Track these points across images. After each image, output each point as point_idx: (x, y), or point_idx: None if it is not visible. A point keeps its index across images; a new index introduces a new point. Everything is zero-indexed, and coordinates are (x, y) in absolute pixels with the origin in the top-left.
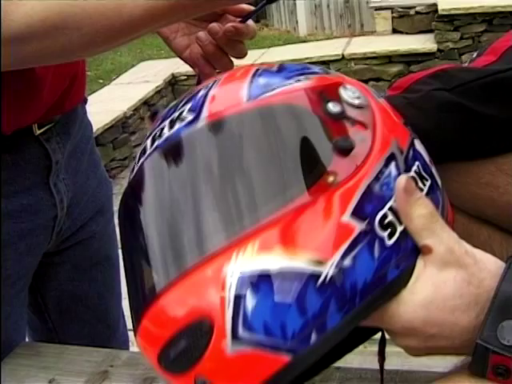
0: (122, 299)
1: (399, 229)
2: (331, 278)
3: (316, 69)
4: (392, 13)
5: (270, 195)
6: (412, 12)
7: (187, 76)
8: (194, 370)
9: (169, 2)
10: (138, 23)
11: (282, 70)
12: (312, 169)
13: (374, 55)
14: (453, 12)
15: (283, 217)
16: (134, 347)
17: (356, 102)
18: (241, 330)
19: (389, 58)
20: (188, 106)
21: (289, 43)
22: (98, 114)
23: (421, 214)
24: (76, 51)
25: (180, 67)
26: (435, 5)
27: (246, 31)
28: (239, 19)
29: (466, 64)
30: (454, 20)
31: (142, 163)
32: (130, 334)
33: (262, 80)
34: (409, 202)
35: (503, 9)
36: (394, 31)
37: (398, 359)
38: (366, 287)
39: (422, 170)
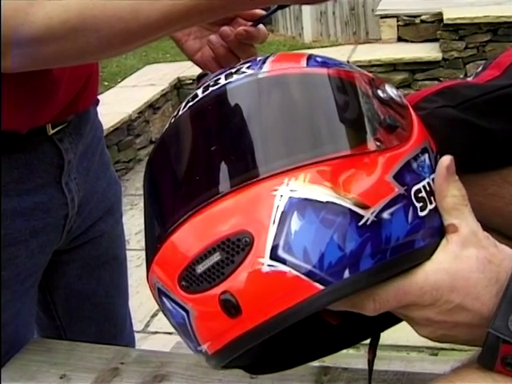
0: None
1: (429, 206)
2: (371, 223)
3: (360, 69)
4: (397, 21)
5: (327, 138)
6: (417, 20)
7: (193, 80)
8: (220, 287)
9: (185, 6)
10: (154, 27)
11: (333, 59)
12: (364, 129)
13: (378, 63)
14: (458, 21)
15: (334, 160)
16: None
17: (398, 99)
18: (280, 251)
19: (393, 66)
20: (246, 65)
21: (294, 49)
22: (103, 116)
23: (454, 194)
24: (93, 53)
25: (186, 71)
26: (440, 14)
27: (257, 35)
28: (250, 23)
29: (471, 77)
30: (458, 29)
31: (193, 105)
32: (136, 334)
33: (318, 59)
34: (447, 180)
35: (508, 19)
36: (399, 39)
37: (401, 363)
38: (397, 245)
39: None
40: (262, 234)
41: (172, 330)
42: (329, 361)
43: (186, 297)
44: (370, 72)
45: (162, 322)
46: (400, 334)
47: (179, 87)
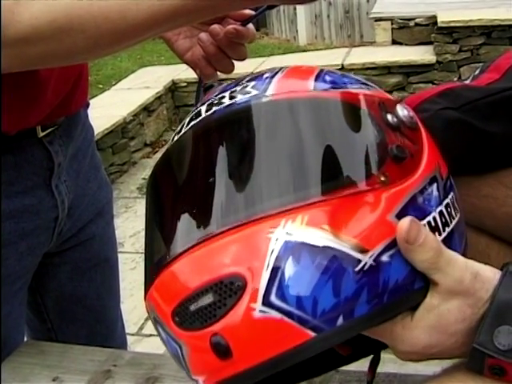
0: (121, 302)
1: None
2: (369, 267)
3: (373, 84)
4: (392, 24)
5: (325, 177)
6: (412, 23)
7: (187, 83)
8: (211, 328)
9: (173, 6)
10: (142, 27)
11: (346, 75)
12: (368, 163)
13: (373, 66)
14: (452, 24)
15: (335, 200)
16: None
17: (409, 121)
18: (273, 297)
19: (388, 69)
20: (252, 84)
21: (288, 52)
22: (97, 118)
23: (423, 259)
24: (81, 53)
25: (180, 74)
26: (435, 17)
27: (247, 34)
28: (239, 22)
29: (469, 80)
30: (453, 32)
31: (195, 124)
32: (130, 337)
33: (328, 77)
34: (410, 249)
35: (502, 22)
36: (394, 42)
37: (394, 365)
38: (396, 288)
39: (455, 201)
40: (255, 279)
41: None
42: None
43: (179, 332)
44: (365, 75)
45: None
46: None
47: (174, 90)
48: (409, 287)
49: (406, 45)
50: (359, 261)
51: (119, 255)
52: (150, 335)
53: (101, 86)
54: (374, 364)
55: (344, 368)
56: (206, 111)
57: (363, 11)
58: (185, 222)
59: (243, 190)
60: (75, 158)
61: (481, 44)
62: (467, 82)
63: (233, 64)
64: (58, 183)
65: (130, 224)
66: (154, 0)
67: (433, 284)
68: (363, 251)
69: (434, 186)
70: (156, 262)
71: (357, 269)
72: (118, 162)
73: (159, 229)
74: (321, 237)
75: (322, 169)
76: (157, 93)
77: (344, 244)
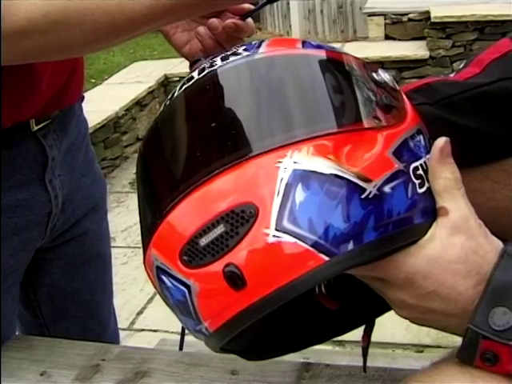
0: (114, 297)
1: (426, 185)
2: (374, 196)
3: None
4: (385, 19)
5: (328, 114)
6: (405, 19)
7: (180, 77)
8: (224, 259)
9: (172, 0)
10: (140, 20)
11: (327, 45)
12: (364, 107)
13: (366, 61)
14: (445, 20)
15: (337, 134)
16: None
17: (392, 83)
18: (285, 222)
19: (381, 64)
20: (242, 48)
21: None
22: (89, 113)
23: (447, 177)
24: (77, 47)
25: (173, 68)
26: (428, 12)
27: (246, 28)
28: (238, 16)
29: (453, 74)
30: (446, 28)
31: (189, 86)
32: (122, 332)
33: (313, 42)
34: (440, 162)
35: (494, 18)
36: (387, 37)
37: (384, 360)
38: (398, 219)
39: None
40: (266, 206)
41: (157, 327)
42: (312, 357)
43: (187, 272)
44: None
45: (147, 320)
46: (386, 330)
47: (166, 84)
48: (410, 221)
49: (399, 40)
50: (364, 189)
51: (111, 250)
52: (142, 330)
53: (93, 80)
54: (369, 330)
55: (334, 363)
56: (199, 74)
57: (356, 6)
58: (183, 170)
59: (247, 129)
60: (69, 152)
61: (474, 39)
62: (451, 75)
63: None
64: (52, 178)
65: (121, 219)
66: None
67: (441, 216)
68: (367, 180)
69: (421, 136)
70: (155, 215)
71: (363, 196)
72: (110, 156)
73: (154, 187)
74: (327, 165)
75: (322, 108)
76: (149, 87)
77: (349, 173)
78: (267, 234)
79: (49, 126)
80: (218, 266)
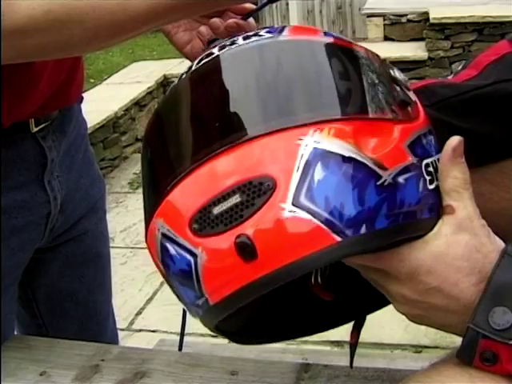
0: (112, 297)
1: (436, 182)
2: (388, 184)
3: None
4: (384, 20)
5: (351, 100)
6: (404, 20)
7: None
8: (237, 229)
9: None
10: (142, 19)
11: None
12: (383, 99)
13: None
14: (444, 21)
15: (357, 120)
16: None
17: (405, 82)
18: (303, 198)
19: None
20: (265, 30)
21: None
22: (88, 113)
23: (456, 176)
24: (79, 45)
25: (172, 69)
26: (427, 13)
27: (247, 28)
28: (240, 16)
29: (451, 76)
30: (444, 29)
31: (209, 61)
32: (121, 332)
33: (335, 34)
34: (451, 160)
35: (493, 19)
36: (386, 38)
37: (383, 361)
38: (408, 212)
39: None
40: (285, 180)
41: (156, 327)
42: (311, 358)
43: (196, 241)
44: None
45: (146, 320)
46: (384, 331)
47: (165, 85)
48: (418, 214)
49: (398, 41)
50: (380, 176)
51: (110, 250)
52: (140, 330)
53: (92, 80)
54: (358, 327)
55: (333, 363)
56: (220, 50)
57: (355, 7)
58: (208, 132)
59: (273, 102)
60: (68, 153)
61: (472, 40)
62: (449, 77)
63: None
64: (51, 179)
65: (120, 219)
66: None
67: (447, 214)
68: (383, 168)
69: (432, 136)
70: (170, 176)
71: (378, 182)
72: (109, 156)
73: (171, 149)
74: (346, 148)
75: (346, 93)
76: (148, 88)
77: (367, 158)
78: (283, 209)
79: (48, 128)
80: (229, 236)
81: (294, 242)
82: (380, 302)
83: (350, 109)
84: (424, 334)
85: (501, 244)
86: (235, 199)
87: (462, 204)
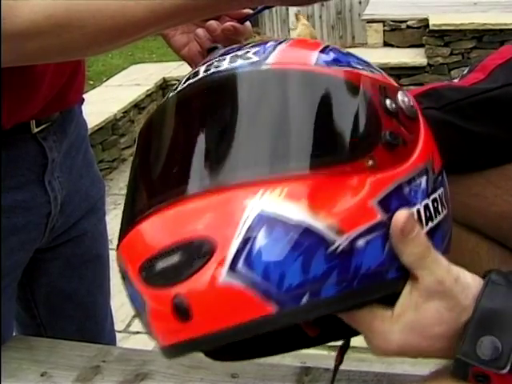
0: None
1: None
2: (342, 250)
3: (378, 69)
4: (384, 26)
5: (315, 150)
6: (403, 26)
7: (178, 81)
8: (175, 289)
9: (173, 5)
10: (142, 24)
11: (352, 54)
12: (357, 146)
13: None
14: (443, 28)
15: (318, 176)
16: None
17: (409, 110)
18: (240, 264)
19: None
20: (255, 50)
21: None
22: (87, 115)
23: (412, 252)
24: (79, 50)
25: (171, 71)
26: (426, 20)
27: (244, 31)
28: (236, 20)
29: (457, 80)
30: (444, 35)
31: (191, 83)
32: (118, 334)
33: (332, 54)
34: (403, 241)
35: (493, 26)
36: (385, 44)
37: (381, 365)
38: (367, 275)
39: (443, 198)
40: (224, 245)
41: None
42: (310, 362)
43: (143, 288)
44: None
45: None
46: None
47: (165, 87)
48: (382, 276)
49: (398, 47)
50: (333, 242)
51: (109, 251)
52: (138, 332)
53: (91, 82)
54: (343, 350)
55: (333, 367)
56: (205, 71)
57: (355, 12)
58: (160, 180)
59: (225, 154)
60: (69, 154)
61: (472, 48)
62: (455, 81)
63: None
64: (51, 179)
65: (118, 221)
66: None
67: (413, 280)
68: (339, 232)
69: (424, 178)
70: (130, 218)
71: (329, 250)
72: (107, 158)
73: (137, 184)
74: (297, 212)
75: (309, 143)
76: (147, 90)
77: (320, 223)
78: (219, 275)
79: (49, 128)
80: (168, 293)
81: (228, 308)
82: None
83: (312, 162)
84: None
85: (480, 281)
86: (176, 258)
87: (426, 271)
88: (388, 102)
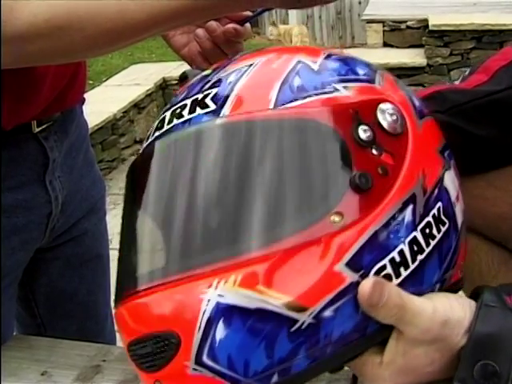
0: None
1: (394, 281)
2: (307, 326)
3: (361, 72)
4: (383, 26)
5: (264, 228)
6: (403, 26)
7: (178, 80)
8: (154, 374)
9: (173, 7)
10: (141, 27)
11: (324, 70)
12: (318, 205)
13: None
14: (443, 28)
15: (275, 254)
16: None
17: (391, 127)
18: (205, 357)
19: None
20: (214, 91)
21: None
22: (87, 114)
23: (387, 316)
24: (79, 52)
25: (171, 71)
26: (426, 20)
27: (244, 32)
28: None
29: (459, 81)
30: (443, 36)
31: (153, 141)
32: (118, 334)
33: (296, 81)
34: (374, 310)
35: (492, 27)
36: (385, 44)
37: None
38: (342, 338)
39: (441, 214)
40: (188, 339)
41: None
42: None
43: (133, 363)
44: None
45: None
46: None
47: (164, 87)
48: (360, 333)
49: (397, 47)
50: (296, 320)
51: (110, 251)
52: None
53: (91, 82)
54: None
55: None
56: (168, 123)
57: (355, 13)
58: (131, 267)
59: (176, 242)
60: (69, 153)
61: (471, 48)
62: (457, 82)
63: None
64: (52, 179)
65: (118, 221)
66: (155, 0)
67: (399, 332)
68: (301, 310)
69: (409, 209)
70: (116, 295)
71: (293, 328)
72: (107, 158)
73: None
74: (254, 298)
75: (259, 222)
76: (147, 90)
77: (279, 304)
78: (187, 366)
79: (50, 128)
80: (150, 378)
81: None
82: None
83: (266, 240)
84: None
85: (471, 307)
86: (149, 348)
87: (408, 326)
88: (362, 130)
